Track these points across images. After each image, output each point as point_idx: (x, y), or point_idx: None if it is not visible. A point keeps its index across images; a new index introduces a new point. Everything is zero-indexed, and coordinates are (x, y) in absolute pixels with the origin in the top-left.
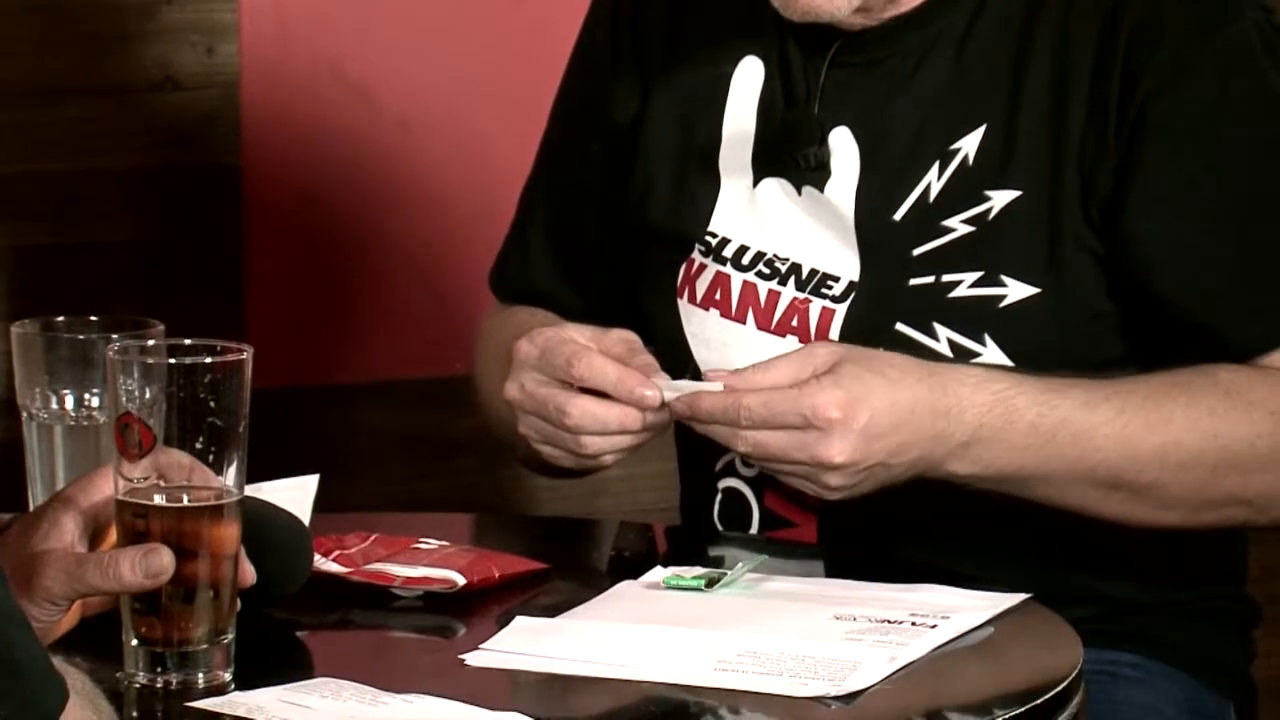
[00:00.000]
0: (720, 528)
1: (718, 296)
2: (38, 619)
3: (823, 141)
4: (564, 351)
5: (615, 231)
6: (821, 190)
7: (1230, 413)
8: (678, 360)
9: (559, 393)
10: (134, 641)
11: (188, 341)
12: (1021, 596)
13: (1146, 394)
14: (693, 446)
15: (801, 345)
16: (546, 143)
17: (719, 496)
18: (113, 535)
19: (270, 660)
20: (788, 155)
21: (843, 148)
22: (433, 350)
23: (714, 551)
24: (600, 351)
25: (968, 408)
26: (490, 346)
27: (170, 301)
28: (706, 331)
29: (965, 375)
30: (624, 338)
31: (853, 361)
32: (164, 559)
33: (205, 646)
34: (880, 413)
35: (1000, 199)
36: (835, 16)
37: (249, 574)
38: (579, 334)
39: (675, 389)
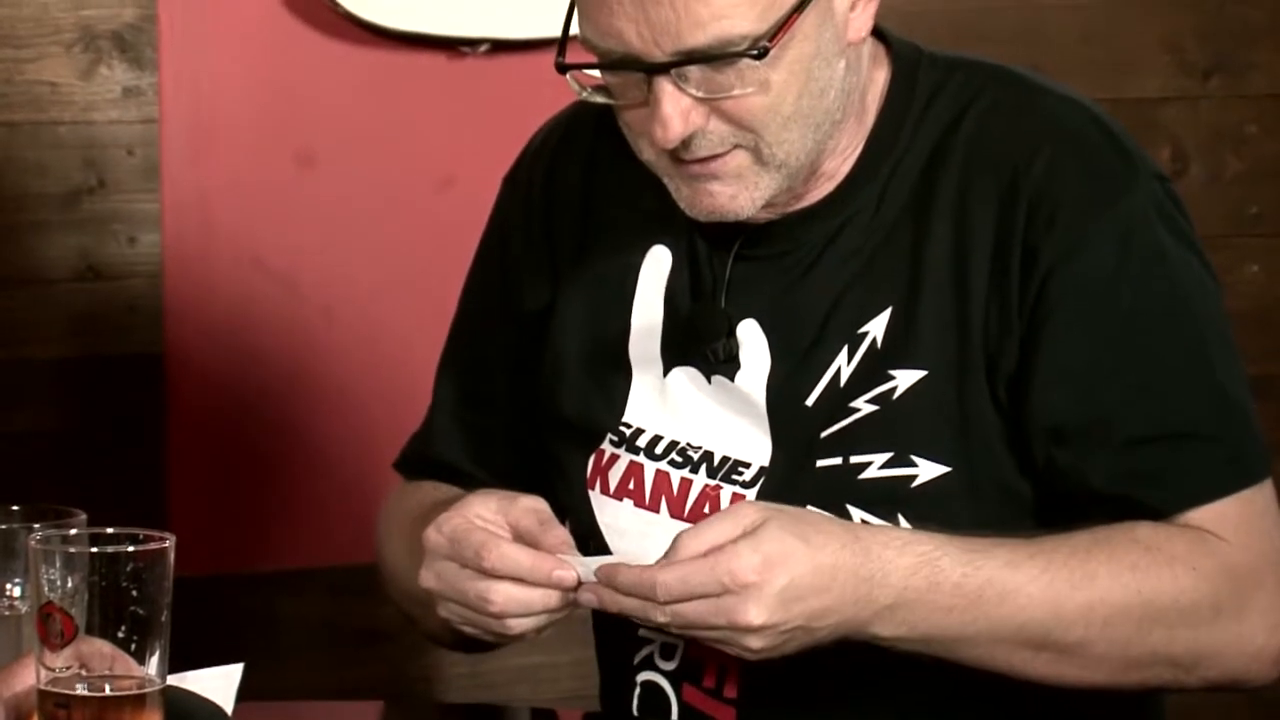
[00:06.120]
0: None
1: (631, 486)
2: None
3: (731, 334)
4: (472, 542)
5: (525, 417)
6: (732, 379)
7: (1152, 568)
8: (595, 549)
9: (478, 581)
10: None
11: (110, 530)
12: None
13: (1070, 552)
14: (611, 638)
15: (730, 506)
16: (456, 328)
17: (637, 690)
18: None
19: None
20: (696, 348)
21: (751, 340)
22: (354, 538)
23: None
24: (511, 526)
25: (891, 571)
26: (395, 519)
27: (92, 490)
28: (620, 522)
29: (890, 539)
30: (532, 508)
31: (776, 524)
32: None
33: None
34: (800, 576)
35: (905, 379)
36: (740, 217)
37: None
38: (484, 510)
39: (589, 565)
